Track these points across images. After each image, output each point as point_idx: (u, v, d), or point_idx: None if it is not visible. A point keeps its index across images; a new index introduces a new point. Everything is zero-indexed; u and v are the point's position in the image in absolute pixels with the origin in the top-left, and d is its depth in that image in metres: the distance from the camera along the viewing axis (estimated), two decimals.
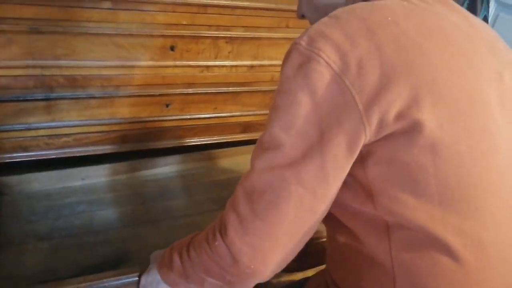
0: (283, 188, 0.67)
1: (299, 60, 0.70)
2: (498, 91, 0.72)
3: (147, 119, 1.68)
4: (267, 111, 1.89)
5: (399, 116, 0.65)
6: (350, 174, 0.71)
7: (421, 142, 0.65)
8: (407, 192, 0.67)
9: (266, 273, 0.71)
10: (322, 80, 0.66)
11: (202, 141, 1.83)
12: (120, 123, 1.64)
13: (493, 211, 0.68)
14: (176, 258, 0.82)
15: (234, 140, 1.91)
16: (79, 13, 1.39)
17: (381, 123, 0.65)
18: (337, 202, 0.74)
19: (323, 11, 0.81)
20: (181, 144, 1.79)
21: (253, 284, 0.74)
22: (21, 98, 1.44)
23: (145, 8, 1.47)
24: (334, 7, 0.76)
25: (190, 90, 1.69)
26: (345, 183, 0.72)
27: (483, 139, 0.69)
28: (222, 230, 0.71)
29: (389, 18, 0.68)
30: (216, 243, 0.71)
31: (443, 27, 0.72)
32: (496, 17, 2.51)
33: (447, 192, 0.66)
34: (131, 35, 1.50)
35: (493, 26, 2.49)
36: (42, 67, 1.42)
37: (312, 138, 0.67)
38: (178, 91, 1.67)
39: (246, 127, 1.91)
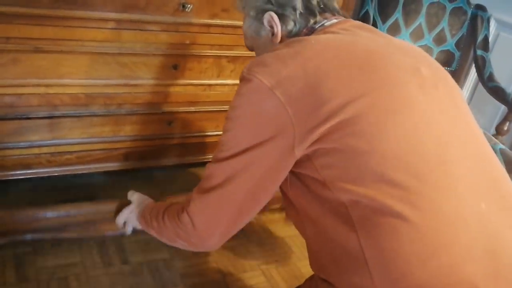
0: (230, 177, 0.90)
1: (242, 83, 0.90)
2: (416, 79, 0.89)
3: (150, 137, 1.69)
4: None
5: (328, 116, 0.81)
6: (304, 171, 0.88)
7: (352, 130, 0.81)
8: (354, 175, 0.81)
9: (215, 237, 0.96)
10: (258, 95, 0.86)
11: (204, 159, 1.83)
12: (122, 141, 1.65)
13: (433, 176, 0.81)
14: (154, 221, 1.12)
15: None
16: (84, 32, 1.41)
17: (311, 123, 0.82)
18: (300, 197, 0.92)
19: (264, 49, 1.05)
20: (183, 162, 1.79)
21: (211, 246, 0.99)
22: (25, 116, 1.46)
23: (148, 28, 1.49)
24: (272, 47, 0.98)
25: (193, 108, 1.71)
26: (302, 177, 0.89)
27: (408, 115, 0.84)
28: (186, 204, 0.98)
29: (312, 43, 0.89)
30: (182, 214, 0.98)
31: (361, 41, 0.93)
32: (496, 36, 2.53)
33: (388, 167, 0.80)
34: (134, 54, 1.52)
35: (493, 45, 2.51)
36: (46, 85, 1.44)
37: (250, 140, 0.88)
38: (180, 109, 1.68)
39: None
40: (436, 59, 2.33)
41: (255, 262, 1.75)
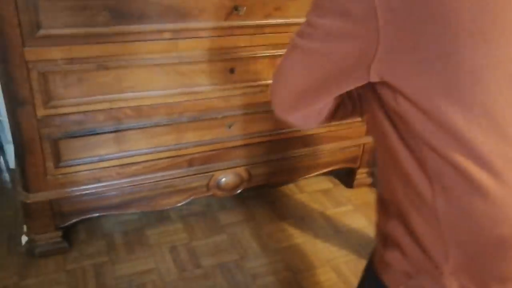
0: (293, 48, 0.82)
1: None
2: None
3: (212, 141, 1.70)
4: (327, 125, 1.87)
5: (439, 55, 0.67)
6: (387, 106, 0.78)
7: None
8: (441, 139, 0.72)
9: (275, 106, 0.92)
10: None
11: (266, 159, 1.83)
12: (186, 148, 1.67)
13: None
14: None
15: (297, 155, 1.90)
16: (142, 46, 1.43)
17: (405, 49, 0.68)
18: (380, 128, 0.82)
19: None
20: (245, 163, 1.80)
21: (276, 113, 0.94)
22: (92, 132, 1.50)
23: (203, 35, 1.49)
24: None
25: (251, 110, 1.70)
26: (386, 116, 0.79)
27: None
28: None
29: None
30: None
31: None
32: None
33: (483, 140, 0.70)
34: (192, 62, 1.52)
35: None
36: (110, 101, 1.47)
37: (330, 30, 0.74)
38: (239, 112, 1.68)
39: (307, 141, 1.89)
40: None
41: (324, 258, 1.74)
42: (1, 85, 1.38)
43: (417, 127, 0.74)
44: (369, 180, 2.17)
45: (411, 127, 0.74)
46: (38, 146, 1.44)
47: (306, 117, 0.94)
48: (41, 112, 1.39)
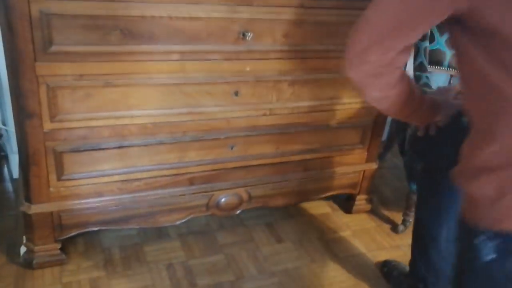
0: None
1: None
2: None
3: (213, 161, 1.72)
4: (329, 149, 1.89)
5: None
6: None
7: None
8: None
9: (356, 44, 0.95)
10: None
11: (266, 181, 1.85)
12: (187, 166, 1.69)
13: None
14: None
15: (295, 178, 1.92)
16: (150, 66, 1.46)
17: None
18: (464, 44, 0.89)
19: None
20: (245, 184, 1.82)
21: (349, 60, 0.99)
22: (96, 147, 1.53)
23: (210, 58, 1.53)
24: None
25: (254, 132, 1.72)
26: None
27: None
28: None
29: None
30: None
31: None
32: None
33: None
34: (198, 83, 1.55)
35: None
36: (116, 117, 1.50)
37: None
38: (242, 133, 1.71)
39: (308, 166, 1.91)
40: None
41: (321, 283, 1.74)
42: (11, 97, 1.42)
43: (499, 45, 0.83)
44: (368, 206, 2.18)
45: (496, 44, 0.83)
46: (43, 158, 1.47)
47: (378, 73, 0.98)
48: (48, 125, 1.42)
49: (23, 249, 1.64)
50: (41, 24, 1.28)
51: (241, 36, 1.52)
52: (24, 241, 1.63)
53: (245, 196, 1.84)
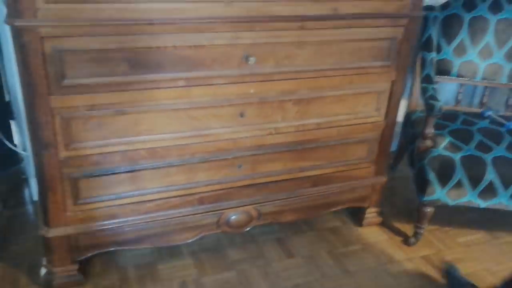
0: None
1: None
2: None
3: (222, 180, 1.77)
4: (336, 164, 1.92)
5: None
6: None
7: None
8: None
9: None
10: None
11: (274, 198, 1.90)
12: (197, 187, 1.75)
13: None
14: None
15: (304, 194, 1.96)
16: (157, 93, 1.53)
17: None
18: None
19: None
20: (253, 202, 1.86)
21: None
22: (109, 172, 1.60)
23: (215, 82, 1.59)
24: None
25: (260, 151, 1.77)
26: None
27: None
28: None
29: None
30: None
31: None
32: None
33: None
34: (204, 107, 1.61)
35: None
36: (127, 143, 1.57)
37: None
38: (248, 153, 1.76)
39: (316, 181, 1.95)
40: (509, 75, 2.25)
41: None
42: (28, 128, 1.50)
43: None
44: (378, 219, 2.20)
45: None
46: (59, 185, 1.54)
47: None
48: (63, 153, 1.50)
49: (43, 271, 1.71)
50: (53, 60, 1.36)
51: (244, 60, 1.58)
52: (44, 263, 1.71)
53: (254, 213, 1.88)
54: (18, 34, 1.30)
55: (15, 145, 2.31)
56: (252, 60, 1.58)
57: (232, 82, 1.61)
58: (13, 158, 2.39)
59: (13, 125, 2.30)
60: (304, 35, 1.64)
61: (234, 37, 1.54)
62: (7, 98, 2.26)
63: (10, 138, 2.30)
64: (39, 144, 1.47)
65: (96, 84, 1.44)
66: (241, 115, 1.68)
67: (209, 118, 1.64)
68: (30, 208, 2.18)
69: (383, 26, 1.74)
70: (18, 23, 1.28)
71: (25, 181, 2.33)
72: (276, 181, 1.88)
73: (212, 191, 1.78)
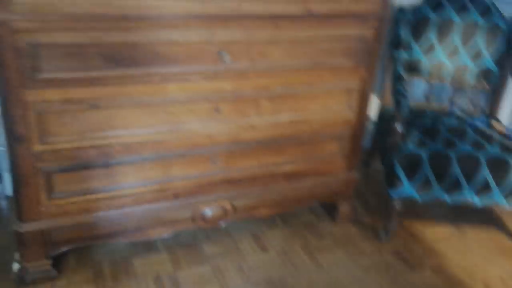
0: None
1: None
2: None
3: (197, 175, 1.80)
4: (309, 160, 1.96)
5: None
6: None
7: None
8: None
9: None
10: None
11: (248, 192, 1.93)
12: (172, 181, 1.77)
13: None
14: None
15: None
16: (132, 88, 1.55)
17: None
18: None
19: None
20: (229, 197, 1.89)
21: None
22: (84, 166, 1.60)
23: (190, 78, 1.61)
24: None
25: (235, 147, 1.81)
26: None
27: None
28: None
29: None
30: None
31: None
32: None
33: None
34: (179, 102, 1.64)
35: None
36: (102, 138, 1.58)
37: None
38: (224, 148, 1.79)
39: (289, 177, 1.99)
40: (476, 76, 2.34)
41: None
42: (3, 122, 1.50)
43: None
44: (352, 214, 2.26)
45: None
46: (33, 179, 1.54)
47: None
48: (37, 147, 1.50)
49: (16, 266, 1.71)
50: (27, 54, 1.36)
51: (219, 57, 1.61)
52: (17, 258, 1.70)
53: (229, 208, 1.91)
54: None
55: None
56: (226, 56, 1.61)
57: (207, 78, 1.64)
58: None
59: None
60: (278, 34, 1.68)
61: (208, 34, 1.57)
62: None
63: None
64: (12, 137, 1.47)
65: (71, 78, 1.45)
66: (217, 110, 1.71)
67: (185, 113, 1.67)
68: (4, 203, 2.16)
69: (354, 26, 1.79)
70: None
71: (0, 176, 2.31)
72: (250, 176, 1.91)
73: (187, 186, 1.80)
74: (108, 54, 1.47)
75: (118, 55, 1.48)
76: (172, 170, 1.75)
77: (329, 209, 2.28)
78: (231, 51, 1.62)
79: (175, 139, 1.69)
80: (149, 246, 1.95)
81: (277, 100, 1.80)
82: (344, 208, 2.23)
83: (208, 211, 1.87)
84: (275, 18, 1.65)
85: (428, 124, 2.23)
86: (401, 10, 2.32)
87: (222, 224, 1.94)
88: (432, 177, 1.94)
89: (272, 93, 1.77)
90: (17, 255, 1.69)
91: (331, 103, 1.90)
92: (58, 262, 1.77)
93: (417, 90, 2.81)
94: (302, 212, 2.27)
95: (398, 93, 2.10)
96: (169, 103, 1.63)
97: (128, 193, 1.71)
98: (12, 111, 1.42)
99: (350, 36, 1.81)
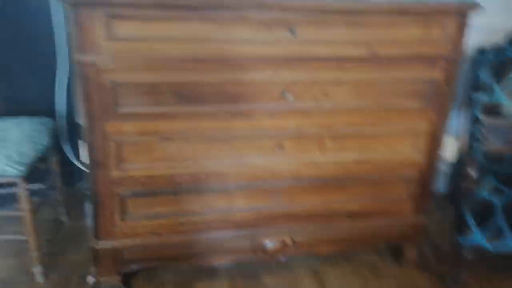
0: None
1: None
2: None
3: (259, 207, 1.87)
4: (374, 200, 1.94)
5: None
6: None
7: None
8: None
9: None
10: None
11: (308, 228, 1.95)
12: (235, 211, 1.85)
13: None
14: None
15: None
16: (201, 123, 1.67)
17: None
18: None
19: None
20: (290, 231, 1.93)
21: None
22: (155, 193, 1.75)
23: (254, 115, 1.70)
24: None
25: (298, 183, 1.85)
26: None
27: None
28: None
29: None
30: None
31: None
32: None
33: None
34: (244, 138, 1.73)
35: None
36: (171, 168, 1.72)
37: None
38: (286, 184, 1.84)
39: (353, 215, 1.98)
40: None
41: None
42: (87, 151, 1.69)
43: None
44: (418, 258, 2.17)
45: None
46: (109, 201, 1.71)
47: None
48: (114, 173, 1.67)
49: (91, 279, 1.88)
50: (109, 90, 1.54)
51: (282, 95, 1.68)
52: (92, 273, 1.87)
53: (289, 242, 1.95)
54: (81, 67, 1.50)
55: (81, 163, 2.55)
56: (289, 96, 1.68)
57: (271, 116, 1.72)
58: (80, 175, 2.63)
59: (80, 144, 2.55)
60: (343, 75, 1.71)
61: (274, 74, 1.65)
62: (77, 120, 2.51)
63: (78, 156, 2.55)
64: (94, 163, 1.65)
65: (145, 113, 1.61)
66: (280, 147, 1.78)
67: (249, 148, 1.76)
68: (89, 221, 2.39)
69: (422, 68, 1.77)
70: (82, 57, 1.48)
71: (87, 196, 2.55)
72: (312, 212, 1.94)
73: (249, 217, 1.88)
74: (180, 92, 1.61)
75: (188, 93, 1.61)
76: (235, 201, 1.84)
77: (395, 251, 2.21)
78: (295, 91, 1.69)
79: (239, 172, 1.78)
80: (212, 273, 2.03)
81: (341, 139, 1.82)
82: (410, 251, 2.15)
83: (269, 244, 1.92)
84: (340, 60, 1.69)
85: (506, 170, 2.10)
86: (482, 51, 2.24)
87: (282, 257, 1.97)
88: (504, 226, 1.82)
89: (336, 132, 1.80)
90: (92, 269, 1.87)
91: (397, 144, 1.88)
92: (127, 279, 1.92)
93: (498, 134, 2.66)
94: (366, 252, 2.23)
95: (473, 137, 2.02)
96: (234, 138, 1.73)
97: (193, 220, 1.82)
98: (94, 141, 1.60)
99: (417, 78, 1.79)
